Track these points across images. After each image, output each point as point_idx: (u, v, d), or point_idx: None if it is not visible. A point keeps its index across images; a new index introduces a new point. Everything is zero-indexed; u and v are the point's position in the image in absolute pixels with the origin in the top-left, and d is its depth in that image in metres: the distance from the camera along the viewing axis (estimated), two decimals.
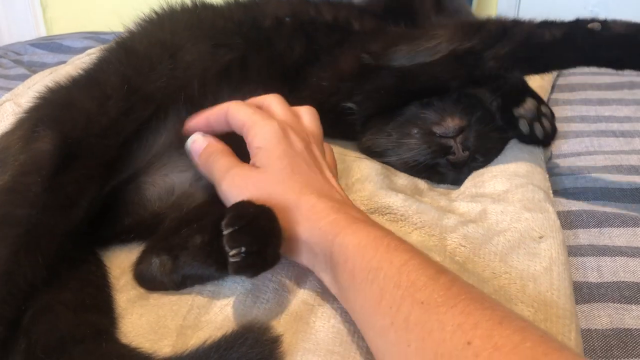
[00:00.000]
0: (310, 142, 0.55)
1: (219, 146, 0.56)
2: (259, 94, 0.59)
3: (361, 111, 0.69)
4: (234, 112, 0.55)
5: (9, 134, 0.57)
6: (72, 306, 0.46)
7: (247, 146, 0.54)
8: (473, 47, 0.59)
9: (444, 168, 0.65)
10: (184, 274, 0.50)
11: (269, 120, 0.54)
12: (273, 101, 0.57)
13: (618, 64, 0.57)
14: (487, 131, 0.66)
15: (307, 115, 0.58)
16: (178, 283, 0.51)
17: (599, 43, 0.54)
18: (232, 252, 0.43)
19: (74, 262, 0.51)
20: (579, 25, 0.55)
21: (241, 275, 0.46)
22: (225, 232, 0.44)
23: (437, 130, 0.63)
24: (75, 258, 0.51)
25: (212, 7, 0.71)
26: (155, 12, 0.70)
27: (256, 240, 0.44)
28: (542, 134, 0.67)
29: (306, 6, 0.72)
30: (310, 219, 0.47)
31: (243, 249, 0.43)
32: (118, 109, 0.55)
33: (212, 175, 0.54)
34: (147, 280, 0.52)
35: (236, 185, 0.51)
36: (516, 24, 0.58)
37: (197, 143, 0.57)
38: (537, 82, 0.83)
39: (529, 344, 0.32)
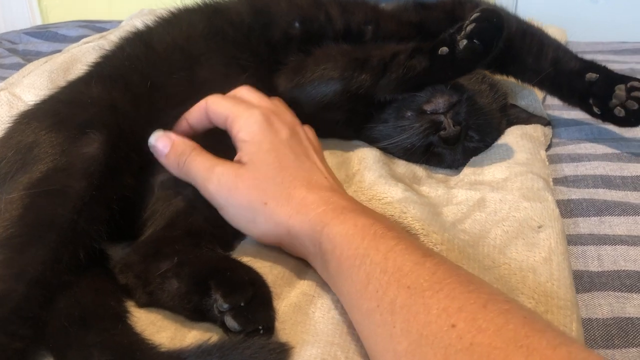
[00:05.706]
0: (295, 125, 0.55)
1: (187, 143, 0.53)
2: None
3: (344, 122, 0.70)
4: (215, 106, 0.54)
5: (31, 124, 0.54)
6: (94, 289, 0.48)
7: (232, 139, 0.53)
8: (361, 85, 0.64)
9: (439, 147, 0.65)
10: (159, 305, 0.49)
11: (252, 110, 0.53)
12: (246, 91, 0.57)
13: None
14: (480, 108, 0.66)
15: (280, 102, 0.58)
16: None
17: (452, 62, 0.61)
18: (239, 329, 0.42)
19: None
20: (435, 54, 0.61)
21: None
22: (225, 307, 0.43)
23: (428, 108, 0.64)
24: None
25: (222, 12, 0.69)
26: (172, 12, 0.70)
27: (261, 317, 0.43)
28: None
29: (316, 10, 0.70)
30: (300, 212, 0.47)
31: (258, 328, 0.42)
32: (145, 111, 0.56)
33: (191, 178, 0.52)
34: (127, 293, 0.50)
35: (224, 185, 0.50)
36: (394, 56, 0.63)
37: (161, 141, 0.54)
38: None
39: (512, 326, 0.33)
